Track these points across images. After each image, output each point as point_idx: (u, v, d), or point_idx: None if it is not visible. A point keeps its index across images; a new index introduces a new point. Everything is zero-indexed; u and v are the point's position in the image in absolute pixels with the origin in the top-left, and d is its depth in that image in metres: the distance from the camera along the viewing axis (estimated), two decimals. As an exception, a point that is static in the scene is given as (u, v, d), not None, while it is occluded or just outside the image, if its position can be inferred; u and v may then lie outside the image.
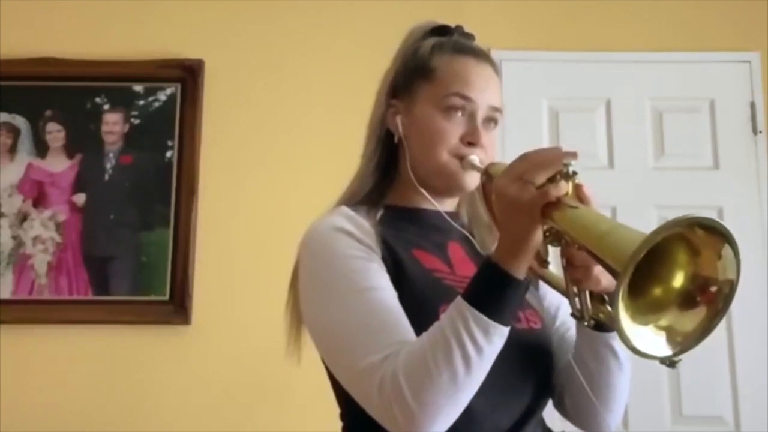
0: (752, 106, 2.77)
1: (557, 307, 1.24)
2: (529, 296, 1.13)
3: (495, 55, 2.20)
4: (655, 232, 0.80)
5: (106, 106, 2.70)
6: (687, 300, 0.86)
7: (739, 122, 2.77)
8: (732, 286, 0.84)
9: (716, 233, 0.82)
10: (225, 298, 2.57)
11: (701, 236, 0.83)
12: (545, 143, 2.71)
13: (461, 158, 1.15)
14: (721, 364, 2.58)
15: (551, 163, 0.93)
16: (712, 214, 2.50)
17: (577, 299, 1.01)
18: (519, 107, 2.66)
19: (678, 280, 0.86)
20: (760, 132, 2.75)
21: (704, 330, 0.85)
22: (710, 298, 0.85)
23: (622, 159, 2.75)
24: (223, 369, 2.52)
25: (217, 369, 2.52)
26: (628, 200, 2.62)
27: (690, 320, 0.86)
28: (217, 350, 2.53)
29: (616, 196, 2.63)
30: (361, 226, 1.12)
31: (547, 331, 1.20)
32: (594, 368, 1.13)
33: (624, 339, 0.82)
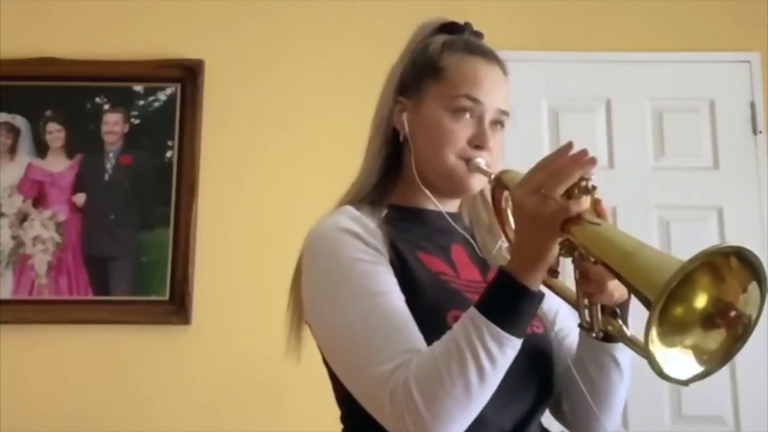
0: (752, 106, 2.77)
1: (555, 313, 1.24)
2: None
3: (495, 55, 2.19)
4: (692, 260, 0.78)
5: (106, 106, 2.70)
6: (707, 321, 0.85)
7: (739, 122, 2.77)
8: (751, 320, 0.84)
9: (750, 268, 0.82)
10: (225, 298, 2.57)
11: (734, 265, 0.82)
12: (545, 143, 2.71)
13: (468, 161, 1.14)
14: (721, 364, 2.57)
15: (570, 174, 0.91)
16: (712, 215, 2.55)
17: (587, 311, 1.01)
18: (519, 107, 2.65)
19: (699, 301, 0.85)
20: (760, 132, 2.75)
21: (727, 352, 0.85)
22: (730, 322, 0.85)
23: (622, 159, 2.74)
24: (222, 369, 2.52)
25: (217, 369, 2.52)
26: (628, 200, 2.61)
27: (713, 340, 0.85)
28: (216, 350, 2.53)
29: (616, 196, 2.62)
30: (367, 226, 1.10)
31: (549, 336, 1.20)
32: (596, 377, 1.13)
33: (653, 364, 0.81)
